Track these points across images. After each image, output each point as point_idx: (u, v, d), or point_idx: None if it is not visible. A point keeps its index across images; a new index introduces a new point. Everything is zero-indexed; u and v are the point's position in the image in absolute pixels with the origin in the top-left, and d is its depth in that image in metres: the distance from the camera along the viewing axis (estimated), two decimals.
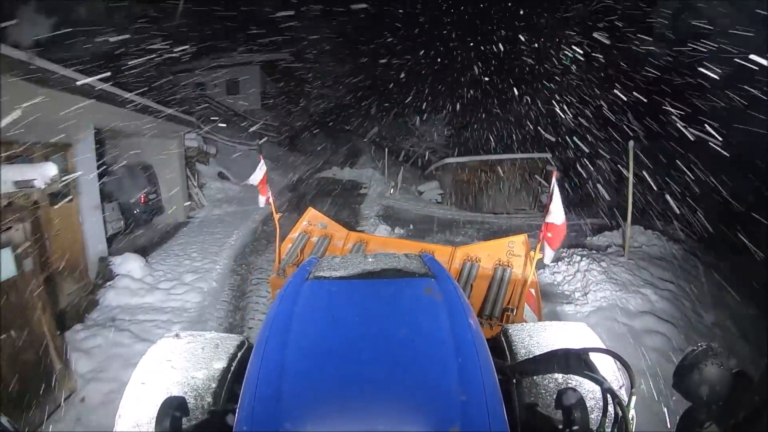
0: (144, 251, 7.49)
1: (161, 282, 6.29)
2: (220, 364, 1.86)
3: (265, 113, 26.29)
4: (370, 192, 13.46)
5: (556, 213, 3.08)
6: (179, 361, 1.86)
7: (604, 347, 1.61)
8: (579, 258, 6.44)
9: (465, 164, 15.28)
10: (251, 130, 21.61)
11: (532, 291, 3.45)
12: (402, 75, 24.61)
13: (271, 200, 4.45)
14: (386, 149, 16.35)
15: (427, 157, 22.12)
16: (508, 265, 3.62)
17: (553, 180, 3.12)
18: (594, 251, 7.00)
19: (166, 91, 12.91)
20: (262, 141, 18.11)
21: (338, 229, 4.51)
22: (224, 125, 18.81)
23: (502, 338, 2.09)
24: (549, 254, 3.22)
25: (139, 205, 9.67)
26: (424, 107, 23.82)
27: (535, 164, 14.66)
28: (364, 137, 27.36)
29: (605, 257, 6.46)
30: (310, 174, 17.56)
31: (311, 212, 4.66)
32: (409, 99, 24.74)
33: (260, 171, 4.35)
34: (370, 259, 2.10)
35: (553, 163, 14.07)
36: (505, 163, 14.77)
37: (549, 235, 3.14)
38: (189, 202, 11.49)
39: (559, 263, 6.42)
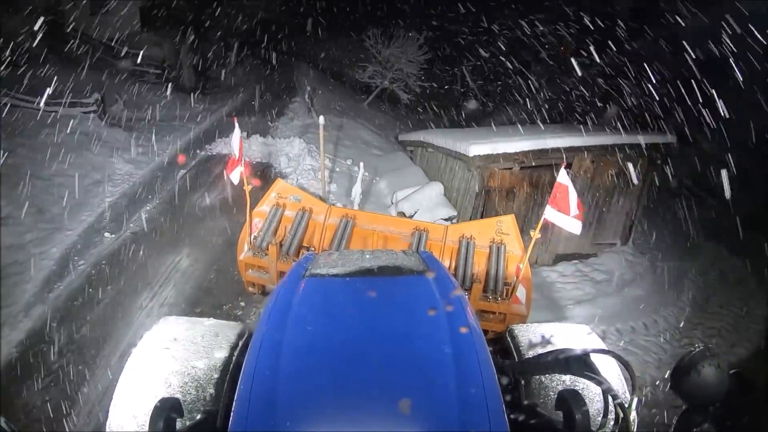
0: None
1: None
2: (221, 354, 1.81)
3: (147, 39, 17.54)
4: None
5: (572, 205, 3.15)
6: (178, 350, 1.79)
7: (606, 348, 1.67)
8: None
9: (514, 157, 7.17)
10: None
11: (521, 266, 3.43)
12: None
13: (242, 173, 3.67)
14: (320, 120, 6.11)
15: (405, 101, 14.50)
16: (502, 243, 3.61)
17: (563, 170, 3.06)
18: None
19: None
20: (98, 95, 9.78)
21: (316, 203, 3.99)
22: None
23: (508, 338, 2.18)
24: (576, 225, 3.24)
25: None
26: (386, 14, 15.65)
27: (629, 155, 7.57)
28: (298, 65, 18.82)
29: None
30: (192, 146, 9.77)
31: (280, 183, 4.07)
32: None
33: (236, 137, 3.69)
34: (367, 256, 2.10)
35: (668, 151, 7.38)
36: (579, 153, 7.43)
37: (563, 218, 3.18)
38: None
39: None
